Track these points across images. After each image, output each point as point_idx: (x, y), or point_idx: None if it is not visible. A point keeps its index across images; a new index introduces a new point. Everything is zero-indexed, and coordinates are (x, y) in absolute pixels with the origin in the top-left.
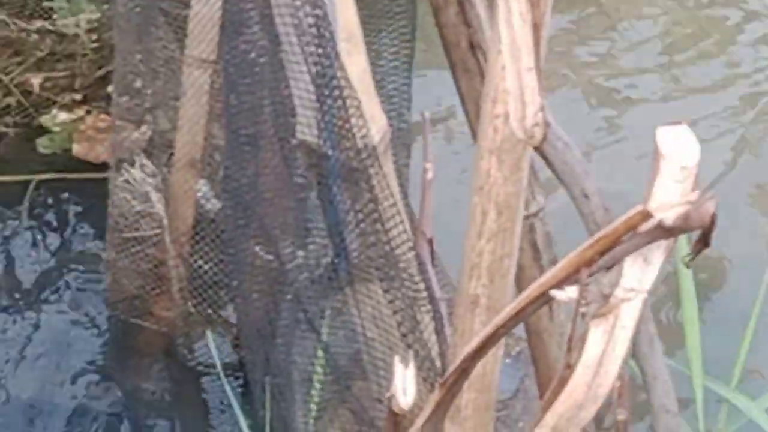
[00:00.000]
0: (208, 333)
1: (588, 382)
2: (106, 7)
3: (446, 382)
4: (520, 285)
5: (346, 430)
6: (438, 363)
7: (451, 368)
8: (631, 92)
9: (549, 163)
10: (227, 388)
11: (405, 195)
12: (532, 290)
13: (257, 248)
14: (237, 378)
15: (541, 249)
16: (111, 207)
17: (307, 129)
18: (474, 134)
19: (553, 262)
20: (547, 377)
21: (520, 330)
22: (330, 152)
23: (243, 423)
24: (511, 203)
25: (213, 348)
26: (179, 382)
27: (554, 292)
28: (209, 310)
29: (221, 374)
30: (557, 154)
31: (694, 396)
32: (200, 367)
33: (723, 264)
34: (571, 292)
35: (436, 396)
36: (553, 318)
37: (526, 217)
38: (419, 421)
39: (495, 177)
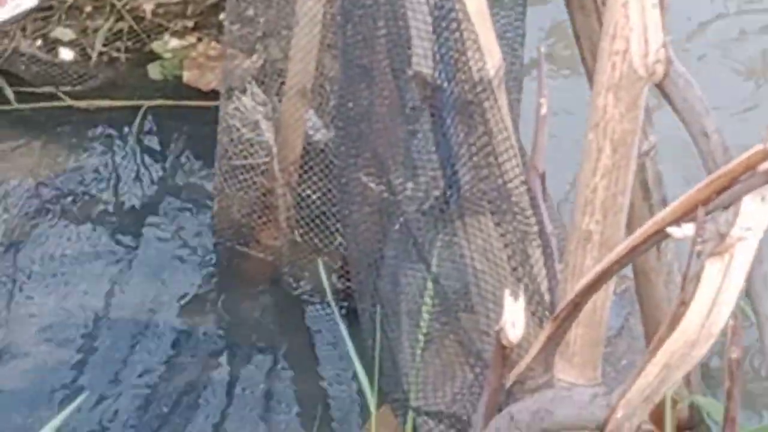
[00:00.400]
0: (319, 260)
1: (702, 320)
2: None
3: (558, 317)
4: (629, 224)
5: (453, 362)
6: (547, 298)
7: (563, 303)
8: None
9: (669, 101)
10: (336, 316)
11: (516, 130)
12: (648, 227)
13: (366, 179)
14: (342, 308)
15: (652, 188)
16: (220, 134)
17: (422, 60)
18: (588, 71)
19: (663, 201)
20: (653, 316)
21: (625, 268)
22: (445, 84)
23: (352, 351)
24: (626, 140)
25: (323, 275)
26: (284, 310)
27: (671, 229)
28: (316, 240)
29: (331, 301)
30: (678, 92)
31: None
32: (305, 296)
33: None
34: (687, 230)
35: (547, 330)
36: (661, 257)
37: (638, 156)
38: (530, 355)
39: (611, 114)
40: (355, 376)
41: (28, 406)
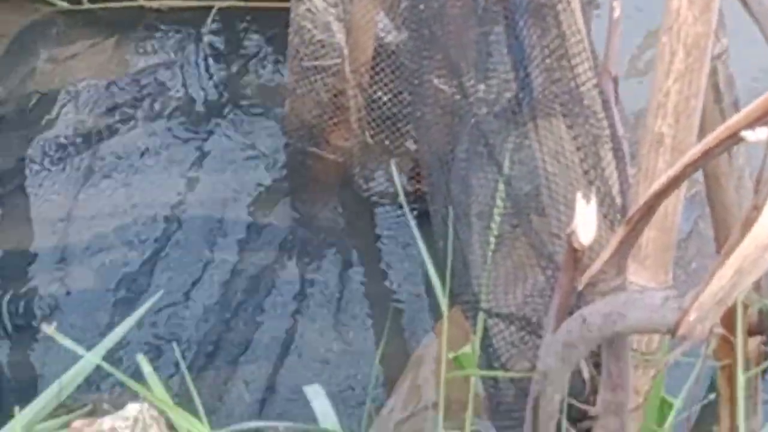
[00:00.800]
0: (392, 161)
1: None
2: None
3: (631, 220)
4: (700, 127)
5: (524, 264)
6: (618, 201)
7: (636, 205)
8: None
9: (744, 4)
10: (408, 216)
11: (589, 34)
12: (721, 130)
13: (438, 81)
14: (412, 209)
15: (723, 91)
16: (292, 35)
17: None
18: None
19: (734, 105)
20: (723, 220)
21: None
22: None
23: (424, 251)
24: (699, 43)
25: (396, 176)
26: (354, 211)
27: (744, 133)
28: (386, 141)
29: (403, 202)
30: None
31: None
32: (375, 197)
33: None
34: (762, 133)
35: (620, 233)
36: (732, 162)
37: (710, 59)
38: (603, 257)
39: (685, 17)
40: (424, 278)
41: (104, 304)
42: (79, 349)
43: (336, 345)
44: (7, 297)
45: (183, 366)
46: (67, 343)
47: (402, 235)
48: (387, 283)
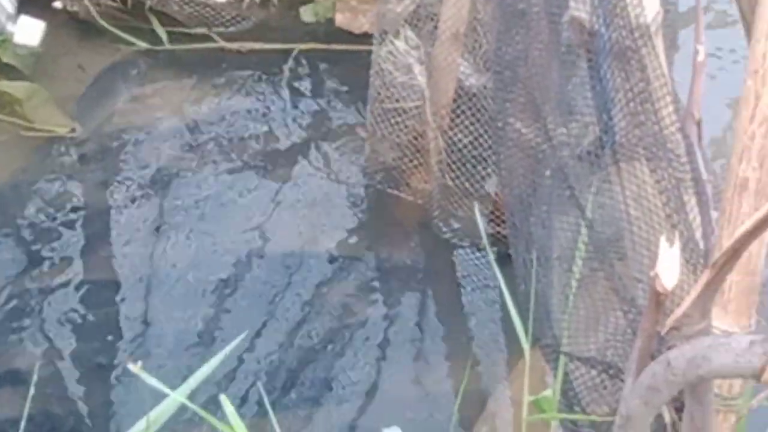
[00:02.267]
0: (475, 204)
1: None
2: None
3: (716, 264)
4: None
5: (605, 308)
6: (701, 245)
7: (721, 250)
8: None
9: None
10: (490, 259)
11: (671, 77)
12: None
13: (520, 123)
14: (492, 252)
15: None
16: (373, 78)
17: (580, 5)
18: (744, 19)
19: None
20: None
21: None
22: (602, 29)
23: (506, 293)
24: None
25: (479, 219)
26: (434, 253)
27: None
28: (467, 184)
29: (486, 244)
30: None
31: None
32: (455, 240)
33: None
34: None
35: (705, 277)
36: None
37: None
38: (687, 301)
39: None
40: (504, 321)
41: (186, 343)
42: (164, 388)
43: (415, 387)
44: (91, 335)
45: (267, 405)
46: (152, 381)
47: (480, 278)
48: (466, 326)
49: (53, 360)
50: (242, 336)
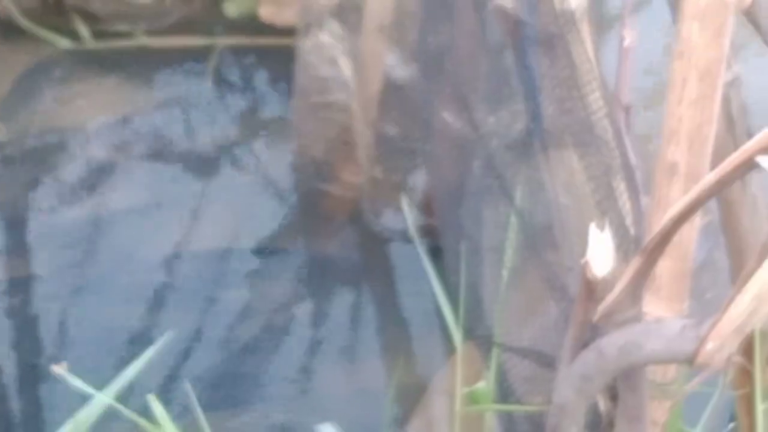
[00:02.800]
0: (402, 196)
1: None
2: None
3: (646, 249)
4: (713, 155)
5: (537, 297)
6: (632, 231)
7: (651, 235)
8: None
9: (757, 27)
10: (420, 251)
11: (599, 63)
12: (736, 156)
13: (447, 114)
14: (423, 244)
15: (736, 119)
16: (298, 71)
17: None
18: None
19: (747, 132)
20: (738, 248)
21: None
22: (527, 17)
23: (437, 285)
24: (712, 69)
25: (407, 211)
26: (365, 247)
27: (760, 158)
28: (396, 176)
29: (414, 237)
30: (766, 18)
31: None
32: (386, 233)
33: None
34: None
35: (635, 263)
36: (745, 189)
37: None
38: (618, 288)
39: (697, 42)
40: (437, 313)
41: (109, 348)
42: (90, 389)
43: (349, 382)
44: (16, 337)
45: (196, 405)
46: (77, 383)
47: (413, 270)
48: (399, 319)
49: None
50: (168, 335)
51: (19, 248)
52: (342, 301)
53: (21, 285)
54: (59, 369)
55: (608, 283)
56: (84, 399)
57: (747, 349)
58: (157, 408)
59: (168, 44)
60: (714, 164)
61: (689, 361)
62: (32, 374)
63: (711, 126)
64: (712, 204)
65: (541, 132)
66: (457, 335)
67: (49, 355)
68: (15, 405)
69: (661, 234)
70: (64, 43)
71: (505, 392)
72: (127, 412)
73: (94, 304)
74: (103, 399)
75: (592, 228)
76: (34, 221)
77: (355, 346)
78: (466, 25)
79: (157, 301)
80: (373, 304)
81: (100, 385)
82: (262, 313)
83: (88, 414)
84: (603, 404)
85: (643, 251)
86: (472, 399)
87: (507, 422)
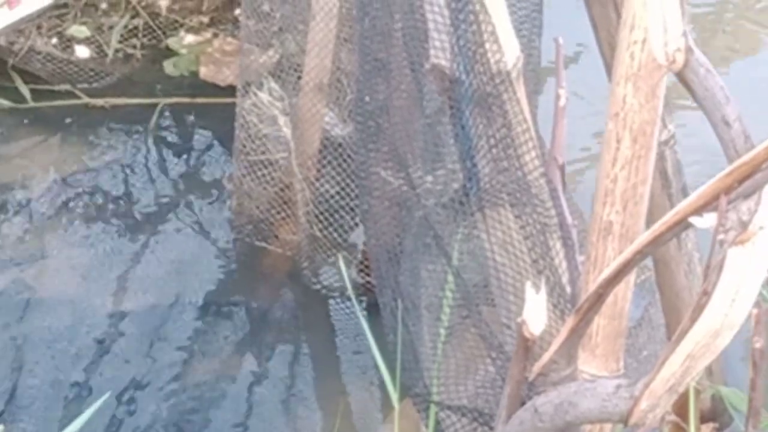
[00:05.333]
0: (339, 255)
1: (725, 310)
2: None
3: (581, 309)
4: (649, 214)
5: (474, 355)
6: (568, 290)
7: (585, 294)
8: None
9: (689, 89)
10: (357, 310)
11: (535, 122)
12: (670, 216)
13: (385, 173)
14: (362, 302)
15: (671, 178)
16: (238, 130)
17: (440, 53)
18: (606, 62)
19: (683, 191)
20: (674, 306)
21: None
22: (463, 77)
23: (373, 345)
24: (645, 130)
25: (344, 270)
26: (304, 305)
27: (693, 219)
28: (335, 234)
29: (352, 296)
30: (698, 81)
31: None
32: (325, 291)
33: None
34: (709, 219)
35: (570, 322)
36: (681, 247)
37: (657, 146)
38: (553, 347)
39: (631, 103)
40: (376, 370)
41: (50, 406)
42: None
43: None
44: None
45: None
46: None
47: (353, 328)
48: (338, 376)
49: None
50: (106, 396)
51: None
52: (281, 357)
53: None
54: None
55: (545, 341)
56: None
57: (682, 407)
58: None
59: (109, 103)
60: (649, 223)
61: (623, 420)
62: None
63: (645, 186)
64: (649, 262)
65: (478, 191)
66: (394, 393)
67: None
68: None
69: (596, 293)
70: (4, 102)
71: None
72: None
73: (35, 364)
74: None
75: (528, 287)
76: None
77: (294, 403)
78: (403, 84)
79: (98, 359)
80: (312, 361)
81: None
82: (202, 371)
83: None
84: None
85: (578, 310)
86: None
87: None
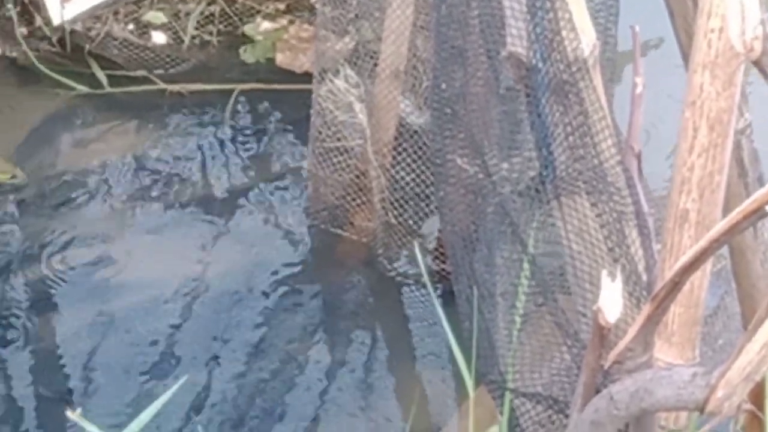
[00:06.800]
0: (415, 242)
1: None
2: None
3: (657, 296)
4: (725, 203)
5: (550, 343)
6: (644, 278)
7: (662, 282)
8: None
9: (766, 77)
10: (432, 297)
11: (611, 110)
12: (747, 204)
13: (461, 160)
14: (436, 289)
15: (748, 166)
16: (314, 117)
17: (517, 41)
18: (682, 50)
19: (759, 180)
20: (749, 295)
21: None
22: (540, 65)
23: (449, 332)
24: (722, 118)
25: (419, 257)
26: (378, 291)
27: None
28: (410, 222)
29: (427, 282)
30: None
31: None
32: (399, 278)
33: None
34: None
35: (647, 310)
36: (758, 236)
37: (734, 134)
38: (629, 334)
39: (708, 92)
40: (450, 358)
41: (124, 388)
42: None
43: (361, 426)
44: (34, 381)
45: None
46: (92, 429)
47: (427, 315)
48: (413, 364)
49: None
50: (183, 380)
51: (38, 289)
52: (355, 344)
53: (39, 325)
54: (74, 414)
55: (620, 329)
56: None
57: (757, 396)
58: None
59: (185, 89)
60: (726, 212)
61: (699, 408)
62: (49, 418)
63: (722, 174)
64: (725, 250)
65: (554, 179)
66: (469, 380)
67: (67, 396)
68: None
69: (673, 281)
70: (82, 88)
71: None
72: None
73: (110, 346)
74: None
75: (604, 275)
76: (51, 262)
77: (369, 390)
78: (480, 71)
79: (172, 342)
80: (386, 348)
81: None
82: (277, 358)
83: None
84: None
85: (655, 298)
86: None
87: None
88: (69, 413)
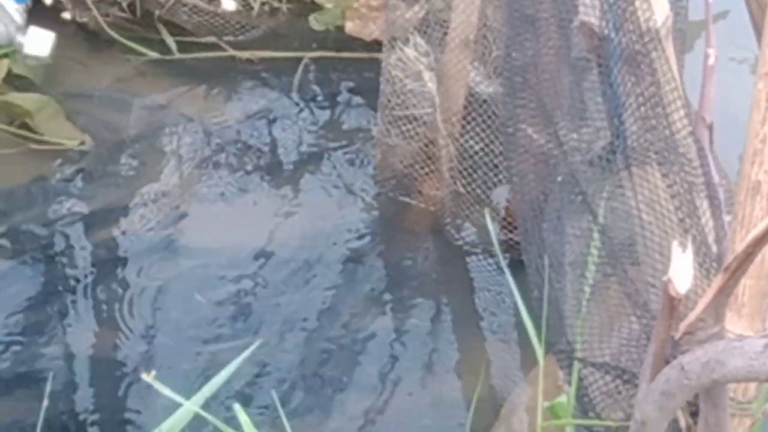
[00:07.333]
0: (486, 211)
1: None
2: None
3: (729, 268)
4: None
5: (619, 313)
6: (714, 249)
7: (734, 254)
8: None
9: None
10: (503, 266)
11: (682, 81)
12: None
13: (530, 129)
14: (504, 259)
15: None
16: (383, 85)
17: (589, 10)
18: (754, 22)
19: None
20: None
21: None
22: (612, 35)
23: (519, 300)
24: None
25: (490, 225)
26: (446, 260)
27: None
28: (478, 191)
29: (498, 252)
30: None
31: None
32: (467, 247)
33: None
34: None
35: (718, 281)
36: None
37: None
38: (700, 305)
39: None
40: (516, 327)
41: (199, 356)
42: (178, 398)
43: (429, 394)
44: (104, 347)
45: (281, 413)
46: (166, 391)
47: (493, 284)
48: (478, 333)
49: (66, 371)
50: (255, 345)
51: (107, 255)
52: (422, 312)
53: (108, 291)
54: (148, 377)
55: (690, 300)
56: (172, 408)
57: None
58: (243, 416)
59: (254, 56)
60: None
61: None
62: (122, 382)
63: None
64: None
65: (625, 149)
66: (539, 349)
67: (138, 360)
68: (104, 413)
69: (745, 252)
70: (151, 54)
71: (585, 407)
72: (214, 420)
73: (179, 312)
74: (189, 407)
75: (675, 246)
76: (119, 228)
77: (436, 358)
78: (551, 41)
79: (240, 309)
80: (453, 317)
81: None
82: (345, 325)
83: (174, 422)
84: (683, 421)
85: (726, 269)
86: (552, 413)
87: None
88: (144, 376)
